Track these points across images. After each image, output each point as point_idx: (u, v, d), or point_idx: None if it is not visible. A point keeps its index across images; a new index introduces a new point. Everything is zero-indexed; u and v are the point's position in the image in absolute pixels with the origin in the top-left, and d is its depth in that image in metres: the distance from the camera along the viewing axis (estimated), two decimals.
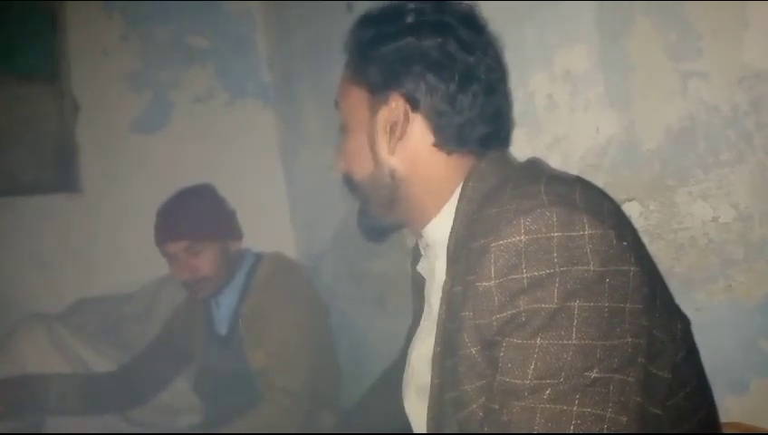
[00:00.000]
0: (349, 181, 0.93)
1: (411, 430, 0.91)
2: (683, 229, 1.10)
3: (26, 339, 1.81)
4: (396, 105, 0.84)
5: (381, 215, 0.91)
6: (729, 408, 1.02)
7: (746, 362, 1.03)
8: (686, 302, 0.97)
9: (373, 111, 0.86)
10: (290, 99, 2.45)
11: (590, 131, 1.23)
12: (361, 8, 0.90)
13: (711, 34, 1.02)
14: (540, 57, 1.30)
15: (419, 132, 0.84)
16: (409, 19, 0.84)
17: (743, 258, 1.02)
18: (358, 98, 0.88)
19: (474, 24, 0.85)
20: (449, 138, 0.84)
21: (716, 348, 0.92)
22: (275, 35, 2.52)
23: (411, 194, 0.86)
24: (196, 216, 1.63)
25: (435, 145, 0.84)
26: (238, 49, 2.54)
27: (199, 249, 1.60)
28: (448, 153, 0.84)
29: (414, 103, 0.84)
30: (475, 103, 0.83)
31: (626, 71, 1.16)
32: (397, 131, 0.84)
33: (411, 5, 0.85)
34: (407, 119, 0.84)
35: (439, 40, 0.82)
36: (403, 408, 0.93)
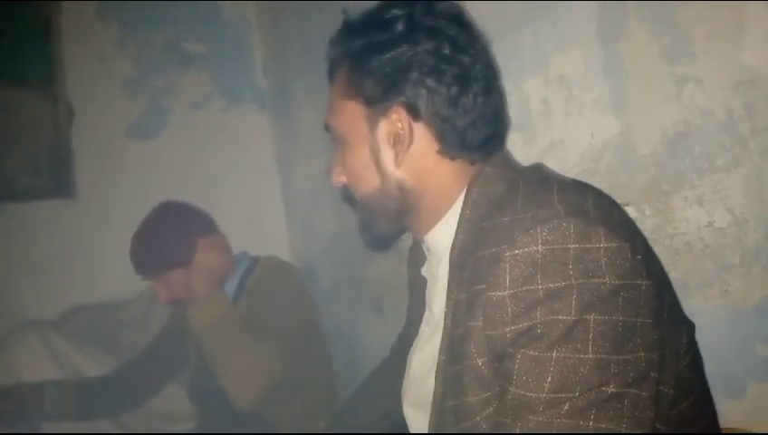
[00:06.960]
0: (349, 196, 0.91)
1: (404, 429, 0.90)
2: (678, 234, 1.10)
3: (20, 346, 1.79)
4: (397, 116, 0.82)
5: (388, 226, 0.89)
6: (726, 413, 1.01)
7: (743, 366, 1.03)
8: (682, 307, 0.97)
9: (372, 124, 0.84)
10: (286, 104, 2.45)
11: (585, 136, 1.23)
12: (357, 13, 0.89)
13: (705, 38, 1.02)
14: (535, 62, 1.30)
15: (424, 141, 0.83)
16: (400, 27, 0.82)
17: (738, 263, 1.02)
18: (353, 112, 0.85)
19: (463, 23, 0.84)
20: (453, 143, 0.83)
21: (713, 353, 0.92)
22: (271, 41, 2.51)
23: (420, 204, 0.85)
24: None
25: (439, 152, 0.83)
26: (234, 55, 2.54)
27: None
28: (452, 159, 0.83)
29: (416, 112, 0.82)
30: (476, 104, 0.82)
31: (621, 75, 1.16)
32: (404, 143, 0.82)
33: (398, 11, 0.83)
34: (410, 129, 0.82)
35: (434, 44, 0.81)
36: (394, 408, 0.92)
